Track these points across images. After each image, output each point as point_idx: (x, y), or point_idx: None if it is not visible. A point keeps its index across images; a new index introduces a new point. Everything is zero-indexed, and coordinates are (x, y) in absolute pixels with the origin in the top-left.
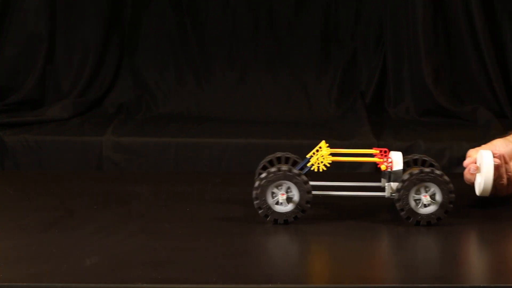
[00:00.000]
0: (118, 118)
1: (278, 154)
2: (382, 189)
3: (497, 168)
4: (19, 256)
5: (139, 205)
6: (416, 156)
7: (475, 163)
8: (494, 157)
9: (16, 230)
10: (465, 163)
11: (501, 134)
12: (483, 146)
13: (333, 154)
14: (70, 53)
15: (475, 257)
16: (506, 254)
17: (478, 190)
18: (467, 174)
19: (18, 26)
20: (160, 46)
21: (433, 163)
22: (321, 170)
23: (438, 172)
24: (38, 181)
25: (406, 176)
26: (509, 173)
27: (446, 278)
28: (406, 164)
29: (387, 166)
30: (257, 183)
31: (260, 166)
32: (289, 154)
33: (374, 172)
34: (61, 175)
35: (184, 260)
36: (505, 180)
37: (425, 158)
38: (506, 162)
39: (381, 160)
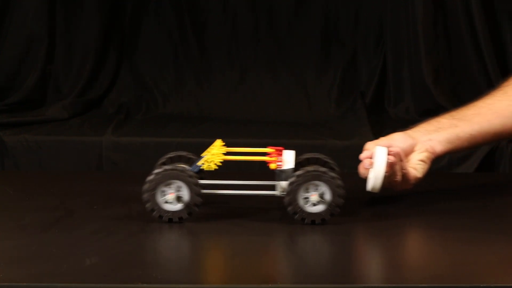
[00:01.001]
0: (118, 118)
1: (179, 153)
2: (274, 187)
3: (391, 165)
4: (19, 256)
5: (139, 205)
6: (312, 155)
7: (371, 157)
8: (389, 154)
9: (16, 230)
10: (361, 156)
11: None
12: (382, 139)
13: (227, 153)
14: (70, 53)
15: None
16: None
17: (368, 185)
18: (361, 168)
19: (18, 26)
20: (160, 46)
21: (329, 161)
22: (212, 169)
23: (326, 171)
24: (38, 181)
25: (295, 175)
26: (404, 170)
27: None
28: (306, 162)
29: (277, 165)
30: (146, 185)
31: (159, 162)
32: (185, 153)
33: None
34: (61, 175)
35: (184, 260)
36: (399, 177)
37: (319, 157)
38: (401, 160)
39: (271, 159)
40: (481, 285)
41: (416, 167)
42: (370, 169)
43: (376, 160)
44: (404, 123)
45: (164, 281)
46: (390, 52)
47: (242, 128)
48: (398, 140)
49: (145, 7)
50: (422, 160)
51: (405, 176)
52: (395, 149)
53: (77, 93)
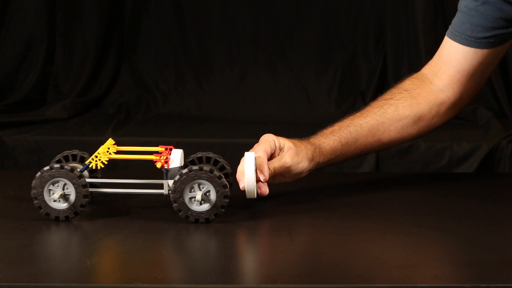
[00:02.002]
0: (118, 118)
1: (71, 152)
2: (161, 186)
3: (258, 167)
4: (19, 256)
5: (139, 205)
6: (201, 154)
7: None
8: (256, 156)
9: (16, 230)
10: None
11: (501, 134)
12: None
13: (118, 152)
14: (70, 53)
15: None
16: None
17: (246, 194)
18: (239, 183)
19: (18, 26)
20: (160, 46)
21: (218, 159)
22: (98, 167)
23: (207, 168)
24: None
25: (180, 173)
26: (271, 170)
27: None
28: (198, 161)
29: (163, 164)
30: (34, 181)
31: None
32: (79, 152)
33: (374, 172)
34: None
35: (184, 260)
36: (267, 177)
37: (216, 157)
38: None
39: (157, 157)
40: (481, 285)
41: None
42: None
43: (245, 168)
44: None
45: (164, 281)
46: (390, 52)
47: (242, 128)
48: (263, 141)
49: (145, 7)
50: (286, 152)
51: (273, 175)
52: (260, 150)
53: (77, 93)
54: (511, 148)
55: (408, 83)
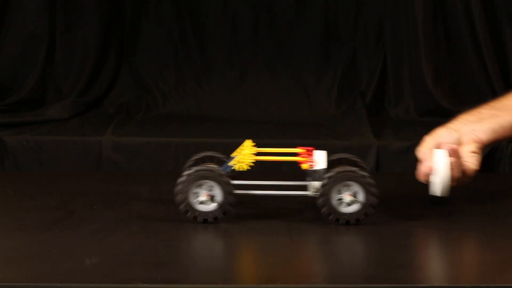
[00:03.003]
0: (118, 118)
1: (207, 153)
2: (306, 188)
3: (452, 165)
4: (19, 256)
5: (139, 205)
6: (344, 156)
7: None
8: (449, 153)
9: (16, 230)
10: (423, 167)
11: None
12: (427, 139)
13: (258, 154)
14: (70, 53)
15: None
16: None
17: (436, 191)
18: (421, 175)
19: (18, 26)
20: (160, 46)
21: (360, 163)
22: (243, 169)
23: (361, 172)
24: (38, 181)
25: (328, 175)
26: (463, 167)
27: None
28: (335, 163)
29: (309, 165)
30: (178, 182)
31: (188, 164)
32: (216, 154)
33: (374, 172)
34: (61, 175)
35: (184, 260)
36: (459, 174)
37: (352, 158)
38: (458, 156)
39: (303, 159)
40: (481, 285)
41: (469, 159)
42: (432, 175)
43: (438, 164)
44: (404, 123)
45: (164, 281)
46: (390, 52)
47: (242, 128)
48: (444, 136)
49: (145, 7)
50: (473, 152)
51: (463, 171)
52: (452, 146)
53: (77, 93)
54: (511, 148)
55: None
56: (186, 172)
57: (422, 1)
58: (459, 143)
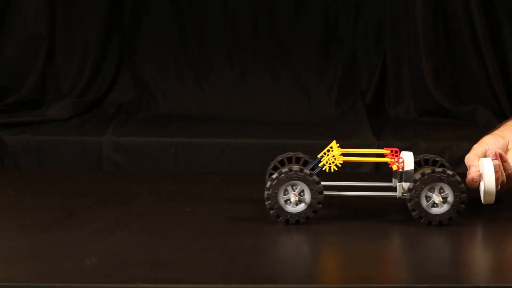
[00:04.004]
0: (118, 118)
1: (289, 154)
2: (393, 189)
3: (496, 170)
4: (19, 256)
5: (139, 205)
6: (427, 156)
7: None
8: (492, 159)
9: (16, 230)
10: (471, 175)
11: None
12: (475, 147)
13: (344, 154)
14: (70, 53)
15: (482, 257)
16: (508, 254)
17: (483, 199)
18: (470, 181)
19: (18, 26)
20: (160, 46)
21: (444, 163)
22: (332, 170)
23: (449, 172)
24: (38, 181)
25: (418, 176)
26: (509, 171)
27: (455, 277)
28: (417, 164)
29: (398, 166)
30: (268, 184)
31: (271, 166)
32: (300, 154)
33: (374, 172)
34: (61, 175)
35: (184, 260)
36: (504, 178)
37: (436, 159)
38: (504, 161)
39: (392, 160)
40: (481, 285)
41: None
42: (480, 182)
43: (485, 174)
44: (404, 123)
45: (164, 281)
46: (390, 52)
47: (242, 128)
48: (491, 143)
49: (145, 7)
50: None
51: (509, 176)
52: (497, 151)
53: (77, 93)
54: None
55: None
56: (275, 175)
57: (422, 1)
58: (506, 149)
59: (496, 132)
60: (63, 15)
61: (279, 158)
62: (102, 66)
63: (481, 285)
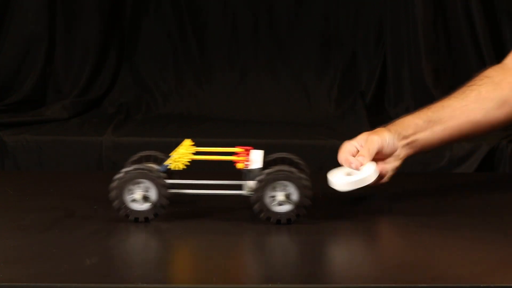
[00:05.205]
0: (118, 118)
1: (146, 153)
2: (241, 187)
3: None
4: (19, 256)
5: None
6: (283, 155)
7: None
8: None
9: (16, 230)
10: (353, 165)
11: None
12: (358, 138)
13: (196, 153)
14: (70, 53)
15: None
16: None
17: (342, 186)
18: (346, 163)
19: (18, 26)
20: (160, 46)
21: (298, 161)
22: (179, 168)
23: (293, 169)
24: (38, 181)
25: (262, 175)
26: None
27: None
28: (273, 162)
29: (244, 165)
30: (114, 183)
31: (129, 161)
32: (154, 153)
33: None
34: (61, 175)
35: (183, 260)
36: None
37: (290, 157)
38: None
39: (239, 158)
40: (481, 285)
41: (391, 172)
42: (351, 171)
43: (366, 173)
44: None
45: (164, 281)
46: (390, 52)
47: (242, 128)
48: (375, 142)
49: (145, 7)
50: (397, 167)
51: (380, 177)
52: (381, 170)
53: (77, 93)
54: (511, 148)
55: (490, 71)
56: (125, 169)
57: (422, 1)
58: (391, 153)
59: (390, 135)
60: (63, 15)
61: (135, 157)
62: (102, 66)
63: (482, 285)
